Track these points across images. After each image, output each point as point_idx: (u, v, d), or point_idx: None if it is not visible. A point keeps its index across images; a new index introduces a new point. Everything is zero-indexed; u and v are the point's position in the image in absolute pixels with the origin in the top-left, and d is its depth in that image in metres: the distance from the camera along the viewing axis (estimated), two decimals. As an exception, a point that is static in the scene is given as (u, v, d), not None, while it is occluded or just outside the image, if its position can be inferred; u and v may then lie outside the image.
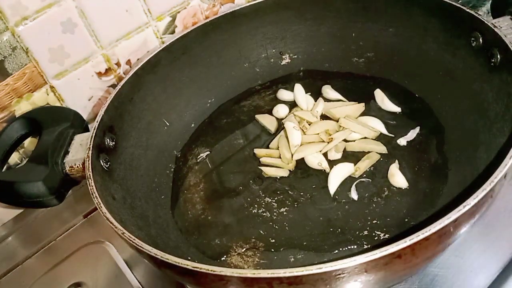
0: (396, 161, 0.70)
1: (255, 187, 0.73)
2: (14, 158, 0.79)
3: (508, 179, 0.50)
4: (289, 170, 0.73)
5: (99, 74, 0.83)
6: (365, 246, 0.62)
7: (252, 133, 0.82)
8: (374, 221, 0.65)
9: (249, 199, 0.71)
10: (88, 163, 0.61)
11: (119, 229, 0.52)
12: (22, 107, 0.77)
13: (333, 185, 0.69)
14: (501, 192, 0.51)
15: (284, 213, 0.69)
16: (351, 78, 0.85)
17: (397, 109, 0.78)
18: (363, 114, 0.78)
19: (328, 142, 0.73)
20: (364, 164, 0.70)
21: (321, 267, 0.42)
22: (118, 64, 0.84)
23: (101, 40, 0.80)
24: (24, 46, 0.73)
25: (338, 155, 0.73)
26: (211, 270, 0.45)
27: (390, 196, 0.67)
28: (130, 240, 0.51)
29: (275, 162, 0.74)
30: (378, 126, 0.75)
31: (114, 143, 0.69)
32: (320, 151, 0.73)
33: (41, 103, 0.79)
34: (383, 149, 0.72)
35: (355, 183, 0.69)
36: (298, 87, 0.85)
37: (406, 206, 0.65)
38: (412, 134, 0.73)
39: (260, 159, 0.76)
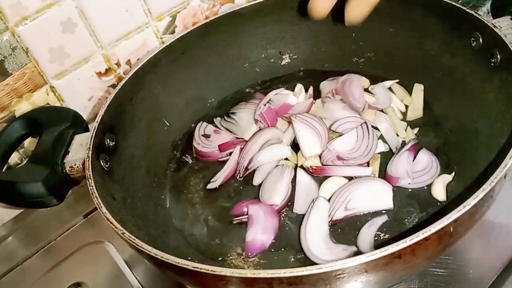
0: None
1: (255, 187, 0.73)
2: (14, 158, 0.79)
3: (508, 179, 0.50)
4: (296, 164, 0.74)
5: (99, 74, 0.83)
6: (365, 246, 0.62)
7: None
8: (374, 221, 0.65)
9: (249, 199, 0.71)
10: (88, 163, 0.61)
11: (119, 229, 0.52)
12: (22, 107, 0.77)
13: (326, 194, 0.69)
14: (501, 192, 0.51)
15: (284, 213, 0.69)
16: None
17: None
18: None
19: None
20: (376, 166, 0.70)
21: (321, 267, 0.42)
22: (118, 64, 0.84)
23: (101, 40, 0.80)
24: (24, 46, 0.73)
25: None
26: (211, 270, 0.45)
27: (390, 196, 0.67)
28: (130, 240, 0.51)
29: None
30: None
31: (114, 143, 0.69)
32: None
33: (41, 103, 0.79)
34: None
35: (355, 183, 0.69)
36: (299, 86, 0.85)
37: (406, 206, 0.65)
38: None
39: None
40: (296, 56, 0.90)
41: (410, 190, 0.67)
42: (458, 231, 0.48)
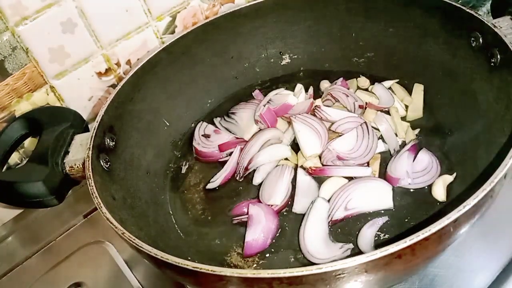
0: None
1: (255, 187, 0.73)
2: (14, 158, 0.79)
3: (508, 179, 0.50)
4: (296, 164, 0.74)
5: (99, 74, 0.83)
6: (365, 246, 0.62)
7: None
8: (374, 221, 0.65)
9: (249, 199, 0.71)
10: (88, 163, 0.61)
11: (119, 229, 0.52)
12: (22, 107, 0.77)
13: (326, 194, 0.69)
14: (501, 192, 0.51)
15: (285, 213, 0.69)
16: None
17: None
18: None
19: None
20: (376, 166, 0.71)
21: (321, 267, 0.42)
22: (118, 64, 0.84)
23: (101, 40, 0.80)
24: (24, 46, 0.73)
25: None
26: (211, 270, 0.45)
27: (390, 196, 0.67)
28: (130, 240, 0.51)
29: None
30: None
31: (114, 143, 0.69)
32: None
33: (41, 103, 0.79)
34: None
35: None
36: (299, 86, 0.85)
37: (406, 206, 0.65)
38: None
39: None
40: (296, 56, 0.90)
41: (410, 190, 0.67)
42: (458, 231, 0.48)
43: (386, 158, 0.71)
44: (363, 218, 0.65)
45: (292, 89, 0.85)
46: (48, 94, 0.79)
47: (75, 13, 0.75)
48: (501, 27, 0.63)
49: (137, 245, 0.50)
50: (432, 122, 0.75)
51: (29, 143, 0.79)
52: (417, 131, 0.74)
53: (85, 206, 0.83)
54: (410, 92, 0.80)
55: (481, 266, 0.62)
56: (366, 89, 0.83)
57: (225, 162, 0.76)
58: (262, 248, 0.64)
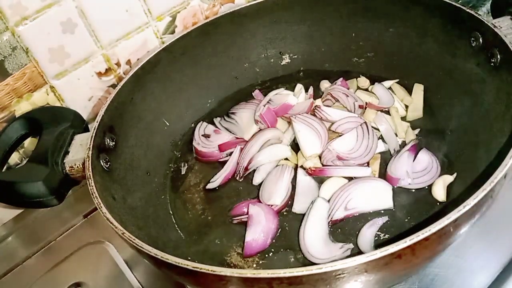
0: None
1: (255, 187, 0.73)
2: (14, 158, 0.79)
3: (508, 179, 0.50)
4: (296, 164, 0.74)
5: (99, 74, 0.83)
6: (365, 246, 0.62)
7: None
8: (374, 221, 0.65)
9: (249, 199, 0.71)
10: (88, 163, 0.61)
11: (119, 229, 0.52)
12: (22, 107, 0.77)
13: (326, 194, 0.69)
14: (501, 192, 0.51)
15: (285, 213, 0.69)
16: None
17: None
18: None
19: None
20: (376, 166, 0.71)
21: (321, 267, 0.42)
22: (118, 64, 0.84)
23: (101, 40, 0.80)
24: (24, 46, 0.73)
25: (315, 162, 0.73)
26: (211, 270, 0.45)
27: (390, 196, 0.67)
28: (130, 240, 0.51)
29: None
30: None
31: (114, 143, 0.69)
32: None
33: (41, 103, 0.79)
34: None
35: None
36: (299, 86, 0.85)
37: (406, 206, 0.65)
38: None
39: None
40: (296, 56, 0.90)
41: (410, 190, 0.67)
42: (458, 231, 0.48)
43: (386, 158, 0.71)
44: (363, 218, 0.65)
45: (292, 89, 0.85)
46: (48, 94, 0.79)
47: (75, 13, 0.75)
48: (501, 27, 0.63)
49: (137, 245, 0.50)
50: (432, 122, 0.75)
51: (29, 143, 0.79)
52: (417, 131, 0.74)
53: (85, 206, 0.83)
54: (410, 92, 0.80)
55: (481, 266, 0.62)
56: (366, 89, 0.83)
57: (225, 162, 0.76)
58: (262, 248, 0.64)
